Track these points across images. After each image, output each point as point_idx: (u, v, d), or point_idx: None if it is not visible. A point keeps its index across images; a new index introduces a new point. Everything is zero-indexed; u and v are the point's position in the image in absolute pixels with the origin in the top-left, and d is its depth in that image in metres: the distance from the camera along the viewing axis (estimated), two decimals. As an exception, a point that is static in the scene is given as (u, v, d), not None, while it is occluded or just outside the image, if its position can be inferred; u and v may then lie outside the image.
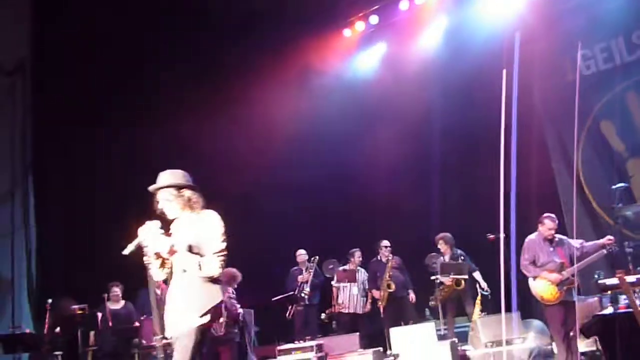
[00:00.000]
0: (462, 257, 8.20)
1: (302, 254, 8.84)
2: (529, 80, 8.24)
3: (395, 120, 9.83)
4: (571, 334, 6.01)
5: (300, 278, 8.62)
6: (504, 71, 4.30)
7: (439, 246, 8.39)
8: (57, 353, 7.26)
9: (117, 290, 7.92)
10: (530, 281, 6.18)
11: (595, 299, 6.86)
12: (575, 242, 6.22)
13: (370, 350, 6.97)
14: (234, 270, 7.19)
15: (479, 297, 8.02)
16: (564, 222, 7.50)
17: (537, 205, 7.30)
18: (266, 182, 10.19)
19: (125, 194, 9.74)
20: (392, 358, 7.08)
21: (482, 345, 7.10)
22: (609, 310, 5.72)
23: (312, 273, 8.62)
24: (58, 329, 7.58)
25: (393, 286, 8.48)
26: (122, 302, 8.01)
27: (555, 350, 6.39)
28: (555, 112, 8.88)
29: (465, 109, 9.28)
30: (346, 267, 8.74)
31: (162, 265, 3.64)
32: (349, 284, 8.59)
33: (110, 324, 7.66)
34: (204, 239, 3.57)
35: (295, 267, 8.84)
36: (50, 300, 6.75)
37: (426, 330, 7.19)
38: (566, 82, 8.71)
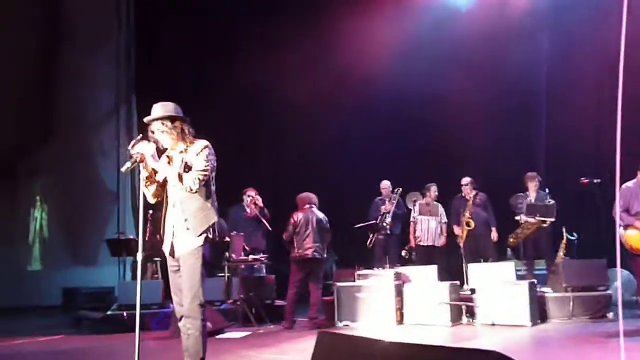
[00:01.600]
0: (549, 199, 8.00)
1: (386, 185, 8.94)
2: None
3: (488, 56, 9.52)
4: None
5: (382, 208, 8.76)
6: None
7: (527, 185, 8.22)
8: (156, 259, 7.91)
9: None
10: (621, 230, 5.98)
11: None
12: None
13: (447, 283, 7.10)
14: (305, 194, 7.42)
15: (563, 241, 7.87)
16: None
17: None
18: (353, 112, 10.31)
19: (222, 114, 10.23)
20: (469, 292, 7.18)
21: (562, 289, 7.05)
22: None
23: (394, 204, 8.73)
24: (158, 237, 8.25)
25: (472, 224, 8.48)
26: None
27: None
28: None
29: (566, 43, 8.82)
30: (426, 200, 8.80)
31: (155, 188, 3.84)
32: (428, 217, 8.68)
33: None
34: (191, 162, 3.77)
35: (379, 197, 8.99)
36: (151, 211, 7.31)
37: (505, 268, 7.19)
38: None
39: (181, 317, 3.82)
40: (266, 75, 10.09)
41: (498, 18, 9.63)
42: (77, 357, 6.06)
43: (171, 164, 3.84)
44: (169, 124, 3.84)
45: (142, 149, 3.74)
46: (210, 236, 3.81)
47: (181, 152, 3.86)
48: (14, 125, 10.89)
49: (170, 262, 3.88)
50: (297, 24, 10.25)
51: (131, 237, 8.56)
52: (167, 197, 3.87)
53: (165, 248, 3.89)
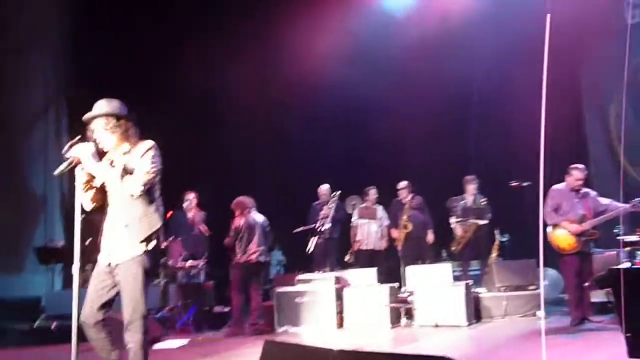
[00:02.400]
0: (485, 202, 8.28)
1: (324, 189, 8.95)
2: (574, 27, 7.96)
3: (432, 61, 9.73)
4: (585, 284, 6.13)
5: (321, 213, 8.75)
6: (548, 16, 4.17)
7: (465, 187, 8.46)
8: (88, 268, 7.58)
9: None
10: (549, 229, 6.23)
11: (614, 252, 6.93)
12: (604, 200, 6.21)
13: (387, 285, 7.19)
14: (241, 198, 7.35)
15: (496, 242, 8.16)
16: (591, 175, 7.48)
17: (567, 155, 7.29)
18: (296, 116, 10.32)
19: (153, 118, 9.96)
20: (407, 294, 7.30)
21: (495, 289, 7.29)
22: (626, 265, 5.80)
23: (333, 208, 8.74)
24: (87, 242, 7.93)
25: (410, 226, 8.64)
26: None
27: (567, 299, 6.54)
28: (595, 62, 8.66)
29: (503, 54, 9.13)
30: (366, 204, 8.88)
31: (93, 193, 3.58)
32: (368, 221, 8.76)
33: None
34: (134, 165, 3.52)
35: (317, 202, 8.99)
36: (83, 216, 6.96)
37: (442, 270, 7.36)
38: (611, 30, 8.43)
39: (93, 323, 3.49)
40: (209, 76, 9.92)
41: (435, 26, 9.84)
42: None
43: (113, 166, 3.56)
44: (114, 121, 3.56)
45: (79, 150, 3.44)
46: (154, 243, 3.55)
47: (124, 153, 3.60)
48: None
49: (103, 270, 3.56)
50: (240, 27, 10.15)
51: (60, 243, 8.20)
52: (107, 202, 3.61)
53: (103, 256, 3.61)
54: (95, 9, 10.67)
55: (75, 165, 3.46)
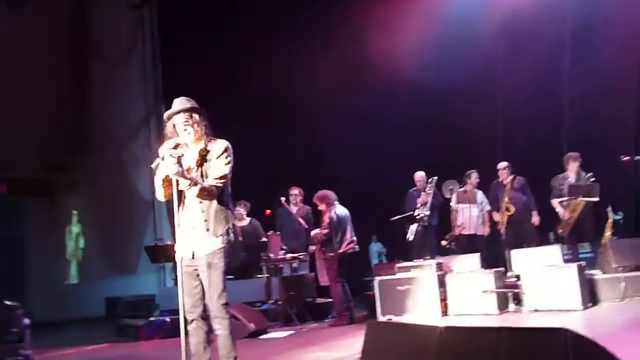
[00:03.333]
0: (593, 178, 7.74)
1: (420, 176, 8.76)
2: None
3: (526, 39, 9.36)
4: None
5: (419, 200, 8.58)
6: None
7: (567, 166, 7.97)
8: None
9: (240, 210, 8.37)
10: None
11: None
12: None
13: (491, 270, 6.91)
14: (325, 191, 7.33)
15: (609, 221, 7.61)
16: None
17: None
18: (385, 103, 10.25)
19: (251, 118, 10.30)
20: (514, 279, 6.98)
21: (612, 269, 6.80)
22: None
23: (431, 195, 8.55)
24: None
25: (512, 209, 8.25)
26: (248, 219, 8.52)
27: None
28: None
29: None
30: (465, 188, 8.59)
31: (168, 188, 3.63)
32: (468, 205, 8.47)
33: (240, 239, 8.21)
34: (212, 165, 3.65)
35: (414, 189, 8.82)
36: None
37: (551, 252, 6.95)
38: None
39: (192, 320, 3.64)
40: (293, 75, 10.08)
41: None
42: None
43: (186, 160, 3.67)
44: (196, 117, 3.69)
45: (166, 170, 3.54)
46: (231, 238, 3.73)
47: (200, 150, 3.72)
48: (48, 142, 11.07)
49: (186, 264, 3.67)
50: (322, 21, 10.27)
51: (169, 242, 8.60)
52: (183, 197, 3.69)
53: (184, 250, 3.69)
54: (183, 17, 11.13)
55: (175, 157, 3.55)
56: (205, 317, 3.67)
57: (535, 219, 8.31)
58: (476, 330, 2.37)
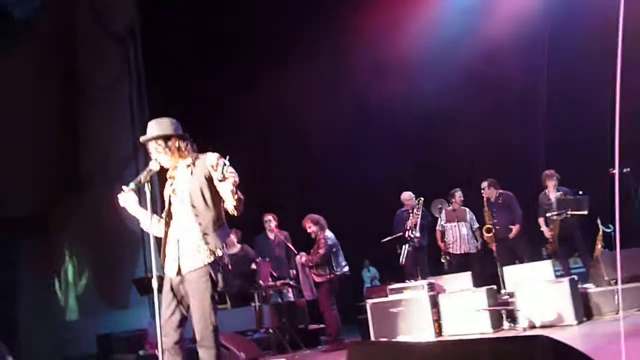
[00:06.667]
0: (580, 192, 7.75)
1: (408, 196, 8.72)
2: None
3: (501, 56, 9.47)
4: None
5: (409, 222, 8.52)
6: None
7: (545, 184, 7.99)
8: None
9: (231, 236, 8.31)
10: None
11: None
12: None
13: (484, 289, 6.85)
14: (317, 216, 7.31)
15: (600, 233, 7.58)
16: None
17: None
18: (364, 126, 10.33)
19: (240, 147, 10.32)
20: (507, 296, 6.91)
21: (605, 282, 6.74)
22: None
23: (419, 215, 8.50)
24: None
25: (492, 230, 8.21)
26: (239, 246, 8.44)
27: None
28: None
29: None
30: (453, 207, 8.56)
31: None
32: (457, 223, 8.43)
33: (229, 267, 8.11)
34: (214, 180, 3.54)
35: (403, 209, 8.78)
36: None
37: (542, 268, 6.91)
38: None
39: (165, 349, 3.42)
40: (284, 105, 10.16)
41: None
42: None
43: (173, 185, 3.66)
44: (162, 143, 3.60)
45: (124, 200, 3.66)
46: (222, 254, 3.56)
47: (188, 165, 3.65)
48: (39, 179, 11.00)
49: (170, 285, 3.54)
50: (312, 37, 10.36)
51: (158, 274, 8.51)
52: (169, 212, 3.63)
53: (170, 268, 3.58)
54: (168, 48, 11.22)
55: (144, 184, 3.56)
56: (177, 348, 3.46)
57: (513, 232, 8.20)
58: (457, 344, 2.32)
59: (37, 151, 10.94)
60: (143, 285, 7.99)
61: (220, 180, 3.44)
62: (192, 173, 3.63)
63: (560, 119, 9.51)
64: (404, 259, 8.08)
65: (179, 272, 3.54)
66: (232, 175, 3.42)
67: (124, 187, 3.59)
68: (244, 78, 10.59)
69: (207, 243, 3.53)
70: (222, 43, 10.96)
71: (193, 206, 3.57)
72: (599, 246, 7.56)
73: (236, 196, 3.45)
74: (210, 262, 3.51)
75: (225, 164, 3.40)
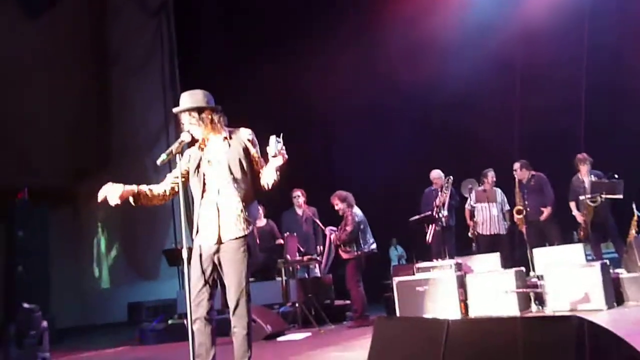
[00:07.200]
0: (616, 176, 7.56)
1: (437, 175, 8.62)
2: None
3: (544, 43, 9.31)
4: None
5: (437, 201, 8.43)
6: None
7: (578, 168, 7.82)
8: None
9: (259, 209, 8.35)
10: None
11: None
12: None
13: (512, 270, 6.77)
14: (346, 193, 7.27)
15: (634, 218, 7.41)
16: None
17: None
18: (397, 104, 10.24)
19: (268, 121, 10.36)
20: (536, 279, 6.82)
21: (638, 268, 6.60)
22: None
23: (448, 194, 8.39)
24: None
25: (523, 211, 8.09)
26: (264, 220, 8.49)
27: None
28: None
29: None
30: (483, 187, 8.44)
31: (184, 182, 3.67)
32: (488, 204, 8.32)
33: (257, 241, 8.17)
34: (251, 155, 3.62)
35: (432, 188, 8.70)
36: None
37: (573, 251, 6.78)
38: None
39: (196, 319, 3.45)
40: (312, 82, 10.11)
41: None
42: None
43: (207, 156, 3.64)
44: (196, 115, 3.60)
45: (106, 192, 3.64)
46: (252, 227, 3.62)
47: (225, 138, 3.66)
48: (72, 152, 11.20)
49: (199, 255, 3.54)
50: (337, 30, 10.30)
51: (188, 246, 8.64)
52: (204, 182, 3.62)
53: (207, 237, 3.57)
54: (200, 21, 11.23)
55: (175, 155, 3.50)
56: (209, 318, 3.51)
57: (544, 215, 8.09)
58: (487, 321, 2.30)
59: (69, 122, 11.12)
60: (173, 256, 8.12)
61: (273, 156, 3.47)
62: (229, 145, 3.65)
63: (600, 104, 9.27)
64: (430, 237, 8.04)
65: (219, 241, 3.56)
66: (284, 154, 3.49)
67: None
68: (272, 52, 10.56)
69: (245, 213, 3.59)
70: (252, 17, 10.93)
71: (233, 177, 3.60)
72: (633, 231, 7.38)
73: (278, 173, 3.52)
74: (248, 232, 3.56)
75: (278, 141, 3.45)
